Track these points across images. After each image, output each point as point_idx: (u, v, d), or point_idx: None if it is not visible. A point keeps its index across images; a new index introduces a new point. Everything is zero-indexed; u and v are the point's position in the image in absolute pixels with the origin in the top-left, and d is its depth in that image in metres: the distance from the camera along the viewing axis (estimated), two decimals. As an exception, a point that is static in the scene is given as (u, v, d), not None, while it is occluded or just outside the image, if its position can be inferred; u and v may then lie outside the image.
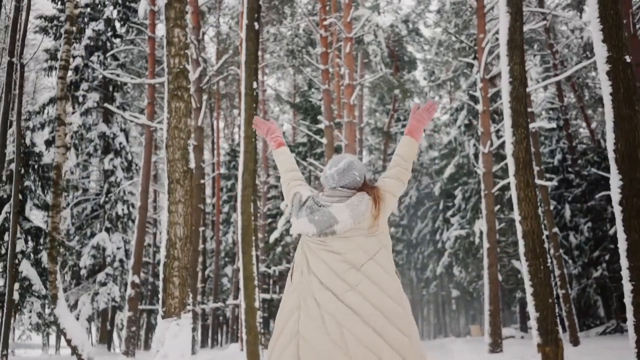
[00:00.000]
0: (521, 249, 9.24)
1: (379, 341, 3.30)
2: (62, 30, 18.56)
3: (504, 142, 24.83)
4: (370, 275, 3.43)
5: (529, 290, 9.09)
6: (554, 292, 9.43)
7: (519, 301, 27.94)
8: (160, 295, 9.56)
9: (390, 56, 36.39)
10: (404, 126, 38.92)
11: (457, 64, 32.00)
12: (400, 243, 39.32)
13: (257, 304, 11.93)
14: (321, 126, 21.61)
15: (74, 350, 15.69)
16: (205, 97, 22.14)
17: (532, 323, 9.12)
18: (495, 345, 18.63)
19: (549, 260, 9.25)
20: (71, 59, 29.69)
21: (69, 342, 15.83)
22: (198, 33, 22.87)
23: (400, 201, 39.95)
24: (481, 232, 24.96)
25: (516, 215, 9.27)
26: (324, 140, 20.96)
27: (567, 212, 27.97)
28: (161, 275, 9.57)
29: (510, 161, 9.43)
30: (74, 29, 17.31)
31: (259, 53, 32.91)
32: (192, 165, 9.81)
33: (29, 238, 26.28)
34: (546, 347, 8.92)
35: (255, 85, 12.85)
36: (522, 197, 9.17)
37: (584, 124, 37.19)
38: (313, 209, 3.51)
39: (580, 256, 27.50)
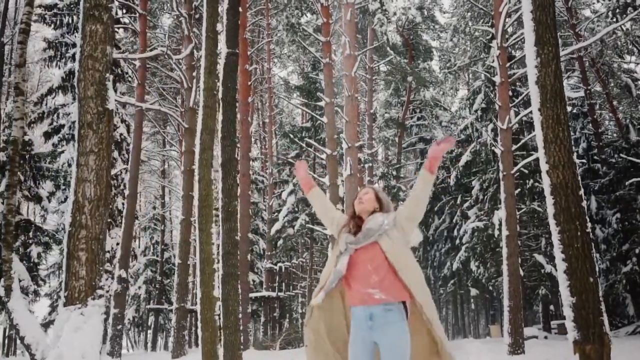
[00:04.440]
0: (550, 209, 6.41)
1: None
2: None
3: (523, 118, 22.07)
4: None
5: (561, 266, 6.26)
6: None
7: (542, 299, 24.86)
8: (63, 276, 6.91)
9: (404, 45, 33.64)
10: (419, 118, 36.19)
11: (473, 51, 29.17)
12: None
13: (216, 293, 9.22)
14: (322, 104, 18.89)
15: (27, 348, 13.11)
16: (194, 74, 19.54)
17: (566, 312, 6.28)
18: (516, 346, 15.69)
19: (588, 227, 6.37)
20: (69, 48, 27.70)
21: (22, 339, 13.26)
22: (190, 7, 20.36)
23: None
24: (500, 223, 22.03)
25: (542, 163, 6.47)
26: (325, 119, 18.28)
27: (593, 204, 24.90)
28: (65, 249, 6.93)
29: (533, 91, 6.62)
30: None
31: (264, 40, 30.65)
32: (111, 105, 7.16)
33: (19, 231, 24.02)
34: (586, 346, 6.07)
35: (220, 27, 10.27)
36: (550, 138, 6.37)
37: (607, 116, 34.27)
38: None
39: (607, 250, 24.40)
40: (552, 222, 6.38)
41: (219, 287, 9.55)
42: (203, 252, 9.28)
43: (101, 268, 6.89)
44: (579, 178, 6.48)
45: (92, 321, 6.69)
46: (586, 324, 6.10)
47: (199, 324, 9.11)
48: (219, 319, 9.30)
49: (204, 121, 9.68)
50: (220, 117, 12.66)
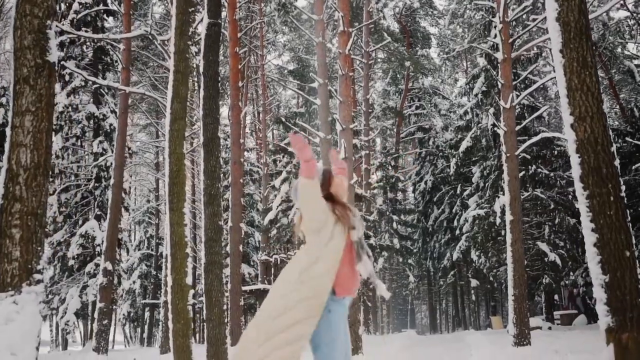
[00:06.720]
0: (576, 170, 5.23)
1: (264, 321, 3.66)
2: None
3: (524, 101, 20.85)
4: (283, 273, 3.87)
5: (590, 238, 5.08)
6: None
7: (545, 288, 23.64)
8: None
9: (402, 32, 32.44)
10: (418, 107, 35.03)
11: (472, 35, 27.93)
12: (415, 231, 35.20)
13: (188, 280, 8.03)
14: (314, 85, 17.71)
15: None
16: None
17: (597, 293, 5.10)
18: (522, 337, 14.51)
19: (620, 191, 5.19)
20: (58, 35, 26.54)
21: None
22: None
23: (415, 187, 35.88)
24: (502, 211, 20.88)
25: (566, 116, 5.28)
26: (318, 101, 17.09)
27: (598, 190, 23.66)
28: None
29: (553, 30, 5.42)
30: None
31: (257, 25, 29.42)
32: (52, 58, 5.95)
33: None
34: (622, 334, 4.90)
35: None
36: (575, 84, 5.19)
37: (609, 102, 33.10)
38: None
39: (613, 238, 23.16)
40: (578, 185, 5.21)
41: (198, 274, 8.41)
42: (174, 235, 8.09)
43: (39, 248, 5.70)
44: (610, 132, 5.31)
45: (27, 311, 5.53)
46: (622, 307, 4.94)
47: (170, 315, 7.93)
48: (192, 309, 8.12)
49: (175, 88, 8.48)
50: (202, 93, 11.54)
